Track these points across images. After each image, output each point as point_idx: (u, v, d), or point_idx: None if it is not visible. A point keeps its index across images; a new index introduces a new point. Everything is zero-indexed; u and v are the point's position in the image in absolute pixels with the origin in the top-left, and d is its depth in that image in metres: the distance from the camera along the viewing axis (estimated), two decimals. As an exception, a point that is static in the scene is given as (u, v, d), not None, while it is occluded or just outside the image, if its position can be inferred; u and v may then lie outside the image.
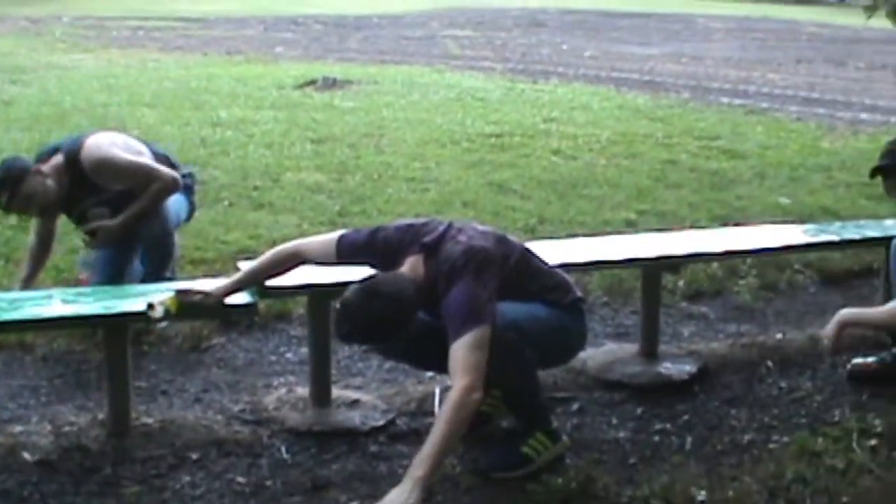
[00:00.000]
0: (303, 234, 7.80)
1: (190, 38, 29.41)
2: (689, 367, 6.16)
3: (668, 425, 5.51)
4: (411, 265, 4.74)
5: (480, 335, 4.45)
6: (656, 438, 5.37)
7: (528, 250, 5.04)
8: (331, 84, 18.32)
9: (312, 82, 18.45)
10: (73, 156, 6.25)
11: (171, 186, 6.42)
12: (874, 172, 5.69)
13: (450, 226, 4.84)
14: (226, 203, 9.46)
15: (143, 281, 6.28)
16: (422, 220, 5.03)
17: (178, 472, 4.91)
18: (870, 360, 6.07)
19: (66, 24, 33.44)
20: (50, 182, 6.20)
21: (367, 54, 25.49)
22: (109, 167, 6.31)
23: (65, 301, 5.36)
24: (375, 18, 39.51)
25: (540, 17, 43.01)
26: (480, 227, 4.93)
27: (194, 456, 5.03)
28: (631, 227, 8.93)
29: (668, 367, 6.15)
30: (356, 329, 4.51)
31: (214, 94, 17.10)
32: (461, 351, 4.43)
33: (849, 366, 6.09)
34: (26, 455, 4.99)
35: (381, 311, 4.47)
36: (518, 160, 11.86)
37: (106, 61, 22.48)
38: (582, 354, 6.21)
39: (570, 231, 8.61)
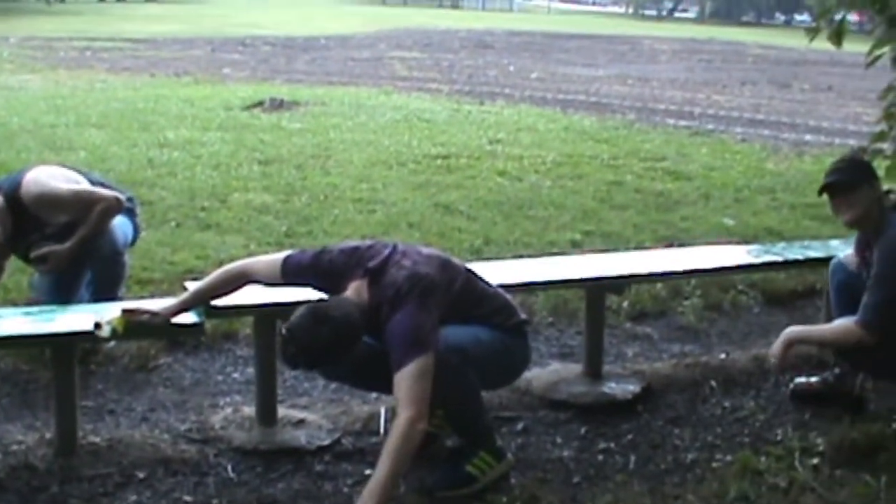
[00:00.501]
0: (250, 255, 7.82)
1: (138, 59, 29.32)
2: (633, 387, 6.20)
3: (612, 444, 5.56)
4: (355, 289, 4.74)
5: (424, 364, 4.46)
6: (600, 458, 5.42)
7: (472, 273, 5.04)
8: (278, 105, 18.33)
9: (260, 103, 18.45)
10: (12, 194, 6.21)
11: (114, 206, 6.40)
12: (822, 190, 5.77)
13: (394, 250, 4.85)
14: (173, 224, 9.44)
15: (95, 301, 6.26)
16: (367, 243, 5.02)
17: (124, 490, 4.91)
18: (812, 379, 6.14)
19: (13, 44, 33.24)
20: None
21: (314, 76, 25.50)
22: (51, 198, 6.29)
23: (14, 321, 5.35)
24: (323, 40, 39.51)
25: (487, 38, 43.15)
26: (425, 251, 4.95)
27: (141, 475, 5.03)
28: (576, 247, 8.99)
29: (612, 387, 6.19)
30: (303, 353, 4.50)
31: (162, 114, 17.06)
32: (405, 381, 4.44)
33: (791, 385, 6.16)
34: (-27, 474, 4.98)
35: (328, 336, 4.46)
36: (464, 181, 11.91)
37: (53, 82, 22.38)
38: (527, 374, 6.25)
39: (516, 252, 8.65)
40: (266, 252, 8.36)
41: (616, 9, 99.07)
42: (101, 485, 4.95)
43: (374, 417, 5.67)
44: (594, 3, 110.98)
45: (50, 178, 6.37)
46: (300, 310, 4.57)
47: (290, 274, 4.98)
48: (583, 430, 5.71)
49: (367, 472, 5.01)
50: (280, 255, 5.04)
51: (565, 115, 18.84)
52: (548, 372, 6.43)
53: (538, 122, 17.43)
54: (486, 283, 5.10)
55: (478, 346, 4.80)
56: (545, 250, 8.66)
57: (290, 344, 4.49)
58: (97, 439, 5.37)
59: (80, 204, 6.33)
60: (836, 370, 6.04)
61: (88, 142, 13.73)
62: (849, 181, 5.61)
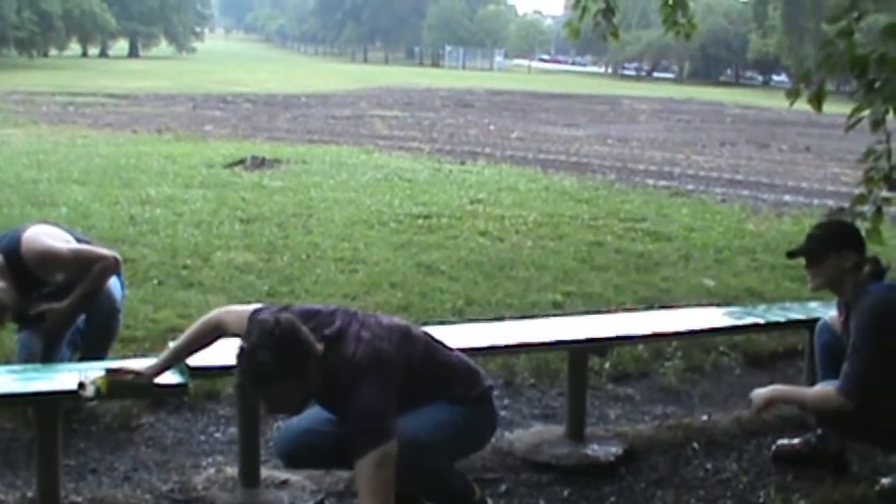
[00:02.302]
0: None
1: (120, 115, 29.43)
2: (615, 449, 6.18)
3: (595, 507, 5.55)
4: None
5: (385, 453, 4.35)
6: (583, 519, 5.41)
7: (432, 344, 4.90)
8: (259, 163, 18.39)
9: (241, 161, 18.52)
10: (12, 252, 6.21)
11: (112, 266, 6.43)
12: (788, 255, 5.82)
13: (353, 318, 4.73)
14: (155, 282, 9.44)
15: (82, 358, 6.26)
16: (329, 307, 4.88)
17: (106, 551, 4.89)
18: (794, 441, 6.15)
19: (-6, 98, 33.28)
20: (2, 284, 6.17)
21: (295, 133, 25.62)
22: (52, 258, 6.29)
23: (-5, 379, 5.35)
24: (304, 98, 39.70)
25: (467, 97, 43.39)
26: (385, 322, 4.80)
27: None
28: (558, 308, 9.00)
29: (594, 449, 6.17)
30: (251, 355, 4.34)
31: (144, 171, 17.12)
32: (367, 471, 4.34)
33: (774, 447, 6.17)
34: (-46, 533, 4.96)
35: (280, 337, 4.35)
36: (446, 241, 11.95)
37: (35, 136, 22.46)
38: (509, 436, 6.31)
39: (498, 312, 8.66)
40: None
41: (596, 69, 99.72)
42: (83, 545, 4.93)
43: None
44: (574, 63, 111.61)
45: (47, 236, 6.37)
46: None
47: None
48: (566, 493, 5.68)
49: (351, 533, 5.04)
50: (249, 308, 4.97)
51: (546, 174, 18.95)
52: (530, 434, 6.43)
53: (519, 181, 17.52)
54: (448, 350, 4.98)
55: (436, 430, 4.67)
56: (527, 311, 8.68)
57: (242, 354, 4.37)
58: (79, 499, 5.34)
59: (79, 263, 6.34)
60: (819, 431, 6.05)
61: (70, 198, 13.75)
62: (815, 250, 5.67)
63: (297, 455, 4.97)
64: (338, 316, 4.72)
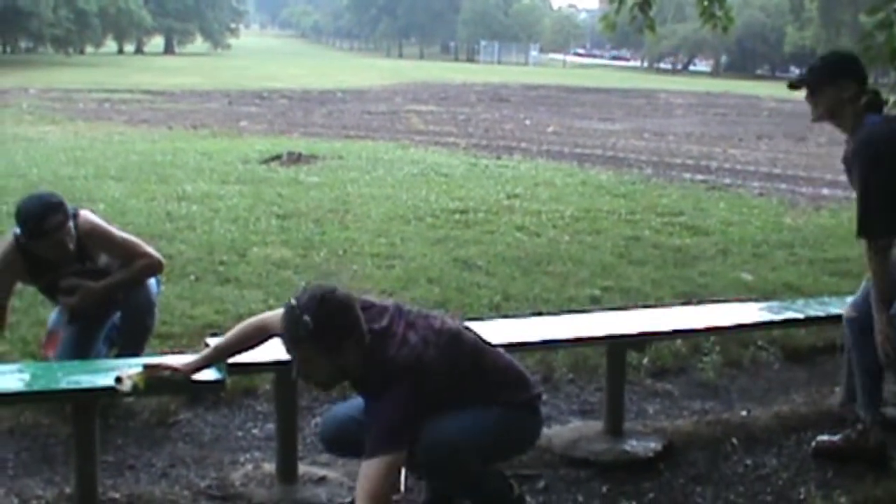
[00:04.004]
0: (269, 310, 7.84)
1: (156, 112, 29.51)
2: (654, 445, 6.15)
3: (634, 503, 5.50)
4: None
5: (393, 461, 4.36)
6: (622, 516, 5.38)
7: (482, 347, 4.82)
8: (295, 159, 18.40)
9: (277, 157, 18.54)
10: (73, 218, 6.26)
11: (156, 265, 6.49)
12: (791, 85, 5.82)
13: (404, 317, 4.69)
14: (192, 278, 9.45)
15: (118, 355, 6.27)
16: (383, 303, 4.85)
17: (144, 547, 4.90)
18: (835, 437, 6.10)
19: (32, 95, 33.52)
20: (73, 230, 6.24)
21: (331, 129, 25.63)
22: (104, 235, 6.37)
23: (35, 375, 5.35)
24: (339, 93, 39.73)
25: (503, 92, 43.34)
26: (437, 324, 4.71)
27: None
28: (595, 303, 8.97)
29: (633, 445, 6.14)
30: (307, 310, 4.33)
31: (180, 167, 17.16)
32: (371, 473, 4.32)
33: (814, 443, 6.12)
34: (-7, 529, 4.97)
35: (337, 297, 4.41)
36: (482, 236, 11.93)
37: (72, 133, 22.55)
38: (547, 431, 6.25)
39: (535, 308, 8.63)
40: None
41: (632, 62, 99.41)
42: (122, 541, 4.94)
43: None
44: (610, 57, 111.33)
45: (101, 219, 6.46)
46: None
47: None
48: (604, 489, 5.65)
49: (389, 530, 5.02)
50: None
51: (582, 169, 18.91)
52: (568, 429, 6.40)
53: (555, 176, 17.49)
54: (499, 354, 4.89)
55: (471, 431, 4.61)
56: (564, 306, 8.65)
57: (296, 307, 4.38)
58: (117, 495, 5.35)
59: (125, 251, 6.40)
60: (859, 426, 6.01)
61: (107, 194, 13.79)
62: (814, 80, 5.67)
63: (335, 441, 4.99)
64: (389, 312, 4.67)
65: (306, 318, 4.30)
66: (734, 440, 6.29)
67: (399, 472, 4.43)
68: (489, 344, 4.89)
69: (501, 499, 4.93)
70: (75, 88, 37.94)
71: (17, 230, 6.26)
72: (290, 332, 4.37)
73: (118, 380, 4.84)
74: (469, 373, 4.66)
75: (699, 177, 18.61)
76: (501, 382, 4.79)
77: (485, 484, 4.83)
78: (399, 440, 4.36)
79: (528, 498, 5.35)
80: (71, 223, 6.15)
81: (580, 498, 5.55)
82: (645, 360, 7.57)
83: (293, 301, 4.38)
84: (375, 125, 27.37)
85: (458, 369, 4.61)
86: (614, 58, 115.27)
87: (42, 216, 6.04)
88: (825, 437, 6.14)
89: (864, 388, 5.97)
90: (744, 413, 6.83)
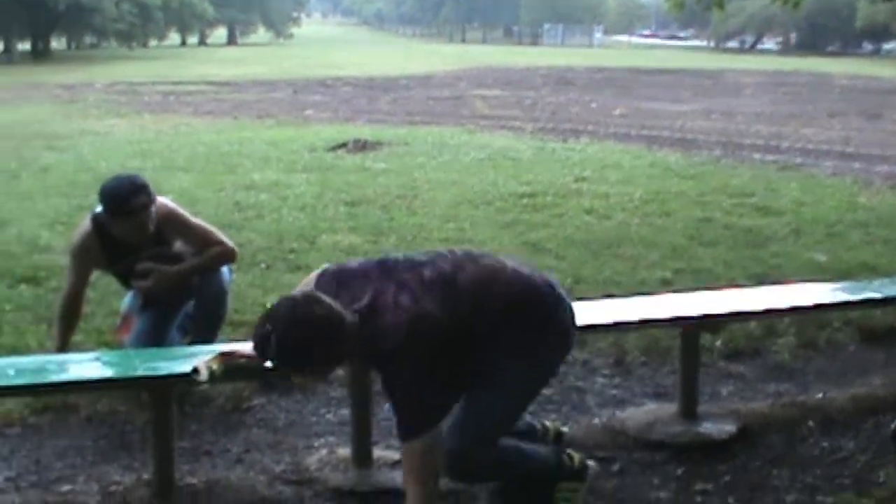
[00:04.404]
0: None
1: (221, 102, 29.65)
2: (729, 427, 6.11)
3: (710, 486, 5.47)
4: (350, 318, 4.35)
5: (425, 441, 4.28)
6: (698, 499, 5.34)
7: (482, 284, 4.54)
8: (362, 146, 18.42)
9: (344, 144, 18.57)
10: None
11: (230, 254, 6.55)
12: None
13: (391, 277, 4.47)
14: (262, 266, 9.51)
15: (191, 342, 6.30)
16: (368, 264, 4.68)
17: (221, 533, 4.93)
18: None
19: (98, 90, 33.80)
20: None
21: (396, 115, 25.65)
22: (180, 220, 6.45)
23: (111, 363, 5.40)
24: (404, 80, 39.76)
25: (568, 75, 43.23)
26: (427, 273, 4.49)
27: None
28: (667, 285, 8.91)
29: (708, 427, 6.11)
30: (277, 332, 4.19)
31: (247, 157, 17.24)
32: (411, 456, 4.31)
33: (893, 425, 6.05)
34: (74, 515, 5.02)
35: (311, 317, 4.19)
36: (551, 220, 11.90)
37: (139, 126, 22.70)
38: (621, 414, 6.28)
39: (606, 290, 8.59)
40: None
41: (698, 42, 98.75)
42: (199, 527, 4.97)
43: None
44: (676, 37, 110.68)
45: (177, 206, 6.55)
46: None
47: None
48: (679, 471, 5.63)
49: (461, 513, 5.03)
50: (313, 275, 4.86)
51: (650, 151, 18.80)
52: (642, 412, 6.37)
53: (623, 159, 17.41)
54: (510, 279, 4.62)
55: (493, 411, 4.58)
56: (636, 289, 8.60)
57: (267, 320, 4.25)
58: (194, 480, 5.40)
59: (200, 238, 6.46)
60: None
61: (176, 185, 13.84)
62: None
63: None
64: (372, 281, 4.47)
65: (273, 343, 4.20)
66: (810, 423, 6.24)
67: (435, 444, 4.30)
68: (496, 267, 4.65)
69: (549, 472, 4.90)
70: (140, 81, 38.17)
71: (97, 212, 6.33)
72: (261, 352, 4.31)
73: (195, 369, 4.86)
74: (472, 316, 4.47)
75: (770, 157, 18.43)
76: (513, 304, 4.56)
77: (530, 467, 4.81)
78: (424, 421, 4.29)
79: (603, 481, 5.35)
80: (154, 207, 6.20)
81: (655, 480, 5.52)
82: (718, 343, 7.51)
83: (266, 322, 4.26)
84: (440, 110, 27.35)
85: (458, 313, 4.42)
86: (672, 37, 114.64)
87: (128, 195, 6.10)
88: (905, 420, 6.08)
89: None
90: (820, 395, 6.76)
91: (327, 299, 4.27)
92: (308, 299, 4.26)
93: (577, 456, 5.04)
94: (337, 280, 4.58)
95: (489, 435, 4.60)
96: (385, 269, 4.55)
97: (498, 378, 4.56)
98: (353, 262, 4.77)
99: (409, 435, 4.27)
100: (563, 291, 4.79)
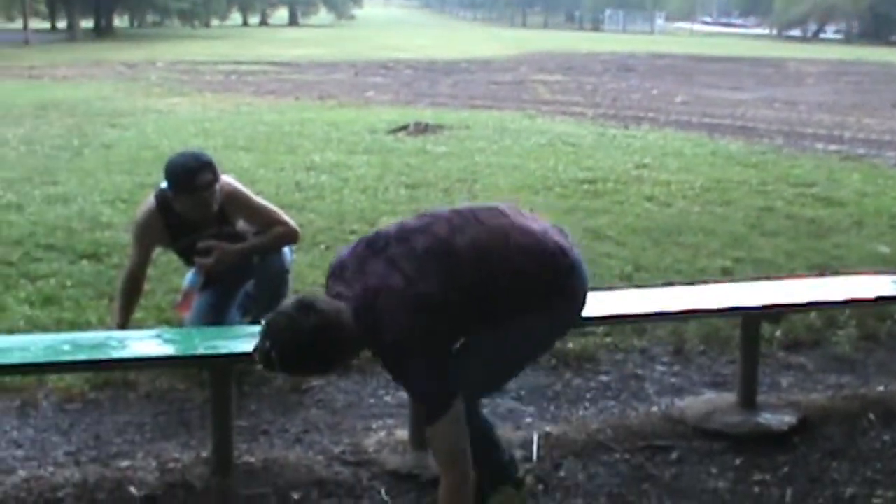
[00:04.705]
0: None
1: (282, 83, 29.76)
2: (788, 418, 6.07)
3: (768, 477, 5.43)
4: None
5: (448, 419, 4.13)
6: (756, 490, 5.30)
7: (482, 250, 4.30)
8: (423, 129, 18.44)
9: (404, 127, 18.59)
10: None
11: (293, 235, 6.56)
12: None
13: (384, 255, 4.29)
14: (323, 247, 9.53)
15: (252, 322, 6.32)
16: (347, 254, 4.51)
17: (280, 511, 4.94)
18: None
19: (160, 68, 34.01)
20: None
21: (457, 99, 25.65)
22: (243, 199, 6.48)
23: (171, 341, 5.43)
24: (465, 63, 39.76)
25: (629, 61, 43.09)
26: (420, 243, 4.29)
27: (296, 496, 5.05)
28: (727, 274, 8.87)
29: (767, 418, 6.07)
30: (277, 347, 4.07)
31: (308, 138, 17.31)
32: (439, 442, 4.20)
33: None
34: (133, 490, 5.06)
35: (310, 328, 4.04)
36: (612, 206, 11.86)
37: (201, 105, 22.83)
38: (680, 403, 6.25)
39: (667, 278, 8.57)
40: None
41: (760, 30, 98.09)
42: (258, 505, 4.99)
43: (527, 443, 5.64)
44: (737, 25, 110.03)
45: (241, 185, 6.59)
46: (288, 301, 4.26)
47: None
48: (738, 461, 5.59)
49: (522, 499, 5.02)
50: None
51: (712, 139, 18.71)
52: (701, 401, 6.35)
53: (684, 146, 17.33)
54: (512, 248, 4.34)
55: (480, 371, 4.42)
56: (696, 277, 8.57)
57: (264, 338, 4.11)
58: (252, 459, 5.42)
59: (263, 218, 6.48)
60: None
61: (237, 165, 13.92)
62: None
63: None
64: (362, 263, 4.33)
65: (275, 359, 4.10)
66: (871, 415, 6.17)
67: (463, 417, 4.16)
68: (505, 228, 4.40)
69: (505, 469, 4.78)
70: (202, 61, 38.39)
71: (161, 189, 6.37)
72: (267, 368, 4.22)
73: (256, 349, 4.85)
74: (474, 283, 4.25)
75: (832, 147, 18.29)
76: (518, 270, 4.32)
77: (487, 455, 4.63)
78: (443, 400, 4.13)
79: (661, 470, 5.34)
80: (218, 185, 6.23)
81: (713, 470, 5.49)
82: (778, 333, 7.46)
83: (265, 340, 4.12)
84: (502, 95, 27.33)
85: (458, 283, 4.22)
86: (734, 25, 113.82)
87: (194, 172, 6.12)
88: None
89: None
90: (881, 388, 6.71)
91: (320, 302, 4.16)
92: (301, 308, 4.09)
93: (520, 468, 4.93)
94: (335, 274, 4.46)
95: (471, 393, 4.42)
96: (374, 248, 4.37)
97: (491, 340, 4.40)
98: (346, 249, 4.57)
99: (433, 417, 4.15)
100: (577, 255, 4.54)
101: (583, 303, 4.59)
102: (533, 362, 4.89)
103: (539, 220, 4.60)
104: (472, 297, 4.25)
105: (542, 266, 4.37)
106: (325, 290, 4.47)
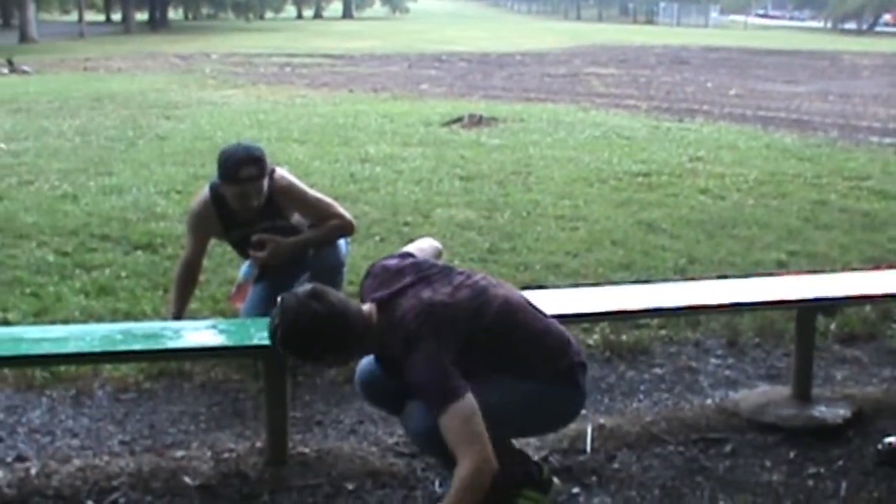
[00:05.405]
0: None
1: (336, 75, 29.80)
2: (843, 411, 6.03)
3: (823, 470, 5.40)
4: (368, 310, 4.43)
5: (464, 407, 4.09)
6: (810, 483, 5.28)
7: (512, 307, 4.49)
8: (477, 121, 18.42)
9: (459, 119, 18.59)
10: (269, 173, 6.39)
11: (348, 227, 6.60)
12: None
13: (418, 273, 4.51)
14: (377, 238, 9.57)
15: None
16: (395, 265, 4.64)
17: (334, 501, 4.97)
18: None
19: (214, 60, 34.15)
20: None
21: (511, 92, 25.61)
22: (298, 193, 6.53)
23: (226, 331, 5.46)
24: (518, 56, 39.71)
25: (683, 54, 42.88)
26: (458, 279, 4.50)
27: (350, 486, 5.07)
28: (782, 267, 8.83)
29: (822, 411, 6.03)
30: (284, 325, 4.21)
31: (362, 130, 17.34)
32: (453, 430, 4.10)
33: (879, 445, 5.92)
34: (187, 479, 5.10)
35: (315, 313, 4.19)
36: (666, 199, 11.83)
37: (255, 97, 22.91)
38: (734, 395, 6.23)
39: (721, 271, 8.55)
40: (469, 268, 8.46)
41: (814, 23, 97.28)
42: (311, 495, 5.01)
43: (581, 435, 5.63)
44: (791, 18, 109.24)
45: (296, 178, 6.63)
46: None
47: None
48: (792, 454, 5.57)
49: (575, 490, 5.02)
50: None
51: (766, 132, 18.60)
52: (755, 394, 6.32)
53: (738, 139, 17.24)
54: (535, 317, 4.56)
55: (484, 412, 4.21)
56: (750, 270, 8.54)
57: (276, 315, 4.26)
58: (306, 450, 5.45)
59: (318, 211, 6.52)
60: None
61: (291, 156, 13.98)
62: None
63: (365, 391, 4.90)
64: (404, 276, 4.50)
65: (279, 337, 4.25)
66: (927, 410, 6.15)
67: (478, 414, 4.10)
68: (521, 306, 4.56)
69: (524, 476, 4.73)
70: (256, 53, 38.51)
71: (215, 181, 6.41)
72: (273, 344, 4.35)
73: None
74: (495, 329, 4.37)
75: (887, 140, 18.14)
76: (533, 348, 4.47)
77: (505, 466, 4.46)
78: (453, 390, 4.11)
79: (715, 462, 5.32)
80: (265, 182, 6.27)
81: (767, 463, 5.47)
82: (832, 326, 7.43)
83: (275, 316, 4.27)
84: (556, 88, 27.27)
85: (483, 321, 4.34)
86: (788, 17, 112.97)
87: (239, 163, 6.19)
88: None
89: None
90: (937, 382, 6.67)
91: (331, 296, 4.28)
92: (310, 296, 4.26)
93: (545, 467, 4.88)
94: (376, 277, 4.61)
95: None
96: (419, 269, 4.55)
97: (487, 386, 4.30)
98: (393, 260, 4.71)
99: (439, 407, 4.11)
100: (585, 364, 4.64)
101: (576, 410, 4.71)
102: (517, 429, 4.73)
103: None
104: (484, 342, 4.34)
105: (559, 348, 4.51)
106: (360, 286, 4.67)
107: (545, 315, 4.63)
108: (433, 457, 4.91)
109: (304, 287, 4.37)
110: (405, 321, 4.26)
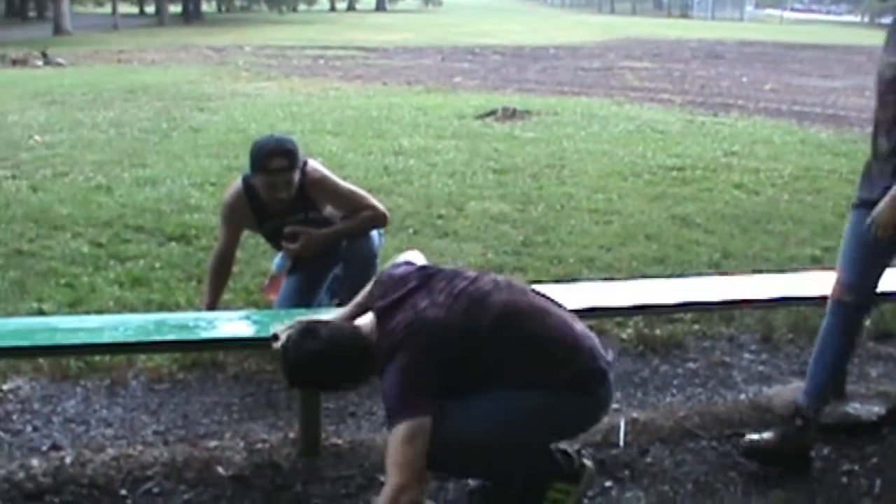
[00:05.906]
0: (487, 263, 7.93)
1: (370, 68, 29.81)
2: (877, 409, 6.01)
3: (857, 467, 5.39)
4: (370, 323, 4.43)
5: (413, 427, 3.99)
6: (844, 479, 5.26)
7: (510, 315, 4.28)
8: (510, 114, 18.41)
9: (492, 112, 18.58)
10: (302, 166, 6.40)
11: (381, 218, 6.57)
12: None
13: (421, 281, 4.41)
14: (410, 231, 9.57)
15: (339, 305, 6.35)
16: (401, 274, 4.52)
17: (366, 493, 4.97)
18: None
19: (248, 53, 34.19)
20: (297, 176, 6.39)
21: (545, 85, 25.56)
22: (330, 185, 6.53)
23: (260, 322, 5.46)
24: (552, 49, 39.61)
25: (717, 48, 42.69)
26: (459, 286, 4.35)
27: (382, 478, 5.03)
28: (816, 263, 8.78)
29: (856, 408, 6.01)
30: (288, 366, 4.29)
31: (396, 122, 17.34)
32: (392, 446, 4.02)
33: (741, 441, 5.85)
34: (220, 469, 5.13)
35: (311, 351, 4.22)
36: (700, 194, 11.79)
37: (288, 90, 22.92)
38: (768, 391, 6.21)
39: (755, 266, 8.52)
40: (503, 261, 8.44)
41: (851, 17, 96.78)
42: (344, 486, 5.02)
43: (614, 429, 5.63)
44: (828, 12, 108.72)
45: (328, 170, 6.64)
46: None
47: None
48: (825, 451, 5.55)
49: (608, 483, 5.01)
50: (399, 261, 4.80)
51: (801, 127, 18.52)
52: (789, 390, 6.28)
53: (773, 134, 17.17)
54: (552, 324, 4.35)
55: (484, 424, 4.16)
56: (785, 265, 8.51)
57: (281, 356, 4.35)
58: (339, 441, 5.46)
59: (350, 203, 6.52)
60: None
61: (325, 149, 13.99)
62: None
63: None
64: (409, 283, 4.40)
65: (286, 370, 4.34)
66: (964, 407, 6.11)
67: (424, 439, 4.00)
68: (539, 314, 4.37)
69: (552, 469, 4.64)
70: (289, 45, 38.55)
71: (248, 173, 6.43)
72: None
73: (275, 336, 4.76)
74: (498, 338, 4.21)
75: (923, 136, 18.04)
76: (542, 354, 4.27)
77: (500, 476, 4.57)
78: (411, 405, 4.03)
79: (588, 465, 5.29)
80: (296, 174, 6.28)
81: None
82: (867, 323, 7.38)
83: (286, 345, 4.35)
84: (589, 81, 27.21)
85: (477, 335, 4.18)
86: (824, 11, 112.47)
87: (269, 154, 6.21)
88: None
89: None
90: (974, 380, 6.63)
91: (321, 331, 4.29)
92: (302, 335, 4.30)
93: (575, 456, 4.71)
94: (382, 284, 4.51)
95: (482, 436, 4.22)
96: (425, 275, 4.46)
97: (486, 396, 4.24)
98: (401, 267, 4.59)
99: (391, 418, 4.08)
100: (606, 367, 4.38)
101: (590, 418, 4.48)
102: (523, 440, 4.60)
103: (588, 332, 4.48)
104: (483, 352, 4.21)
105: (564, 357, 4.27)
106: (368, 291, 4.67)
107: (564, 317, 4.44)
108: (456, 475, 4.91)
109: (295, 327, 4.45)
110: (395, 332, 4.19)
